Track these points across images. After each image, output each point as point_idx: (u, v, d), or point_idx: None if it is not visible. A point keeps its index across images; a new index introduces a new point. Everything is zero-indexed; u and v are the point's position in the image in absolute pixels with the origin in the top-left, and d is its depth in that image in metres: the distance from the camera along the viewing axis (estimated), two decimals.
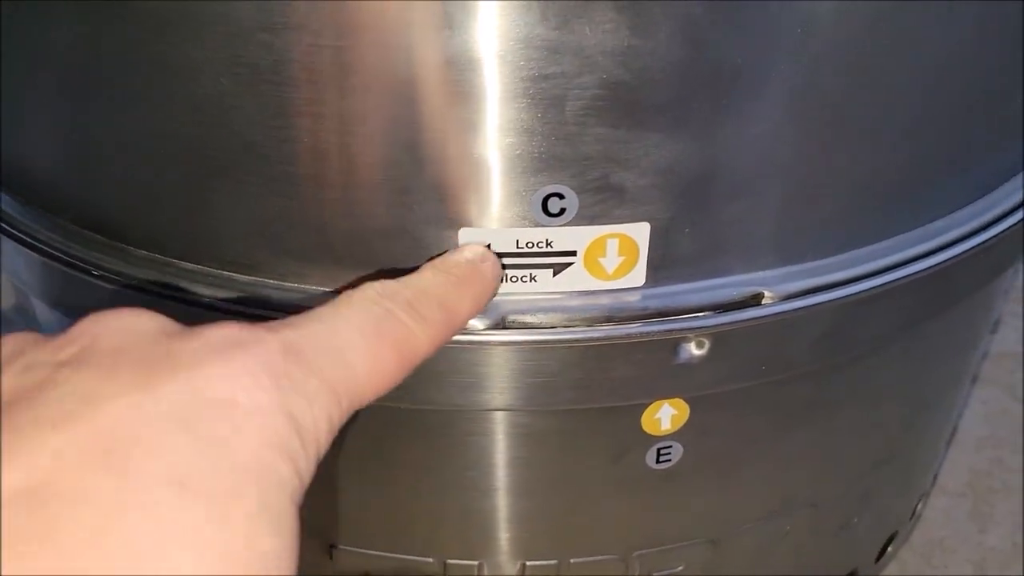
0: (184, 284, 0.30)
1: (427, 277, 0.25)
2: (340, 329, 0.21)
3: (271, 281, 0.29)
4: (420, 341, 0.23)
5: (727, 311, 0.29)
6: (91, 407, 0.17)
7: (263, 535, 0.17)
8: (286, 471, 0.18)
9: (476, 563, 0.36)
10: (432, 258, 0.27)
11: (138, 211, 0.30)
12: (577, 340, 0.29)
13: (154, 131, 0.27)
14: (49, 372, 0.18)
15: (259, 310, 0.29)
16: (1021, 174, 0.34)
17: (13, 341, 0.20)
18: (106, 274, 0.30)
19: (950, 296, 0.34)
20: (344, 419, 0.20)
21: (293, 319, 0.21)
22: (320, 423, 0.19)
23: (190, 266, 0.30)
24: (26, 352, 0.19)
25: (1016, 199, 0.33)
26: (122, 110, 0.27)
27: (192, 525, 0.16)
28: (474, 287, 0.26)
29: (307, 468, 0.19)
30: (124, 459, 0.17)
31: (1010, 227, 0.32)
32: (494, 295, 0.27)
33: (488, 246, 0.27)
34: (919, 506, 0.52)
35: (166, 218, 0.29)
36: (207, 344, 0.19)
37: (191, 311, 0.29)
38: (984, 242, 0.31)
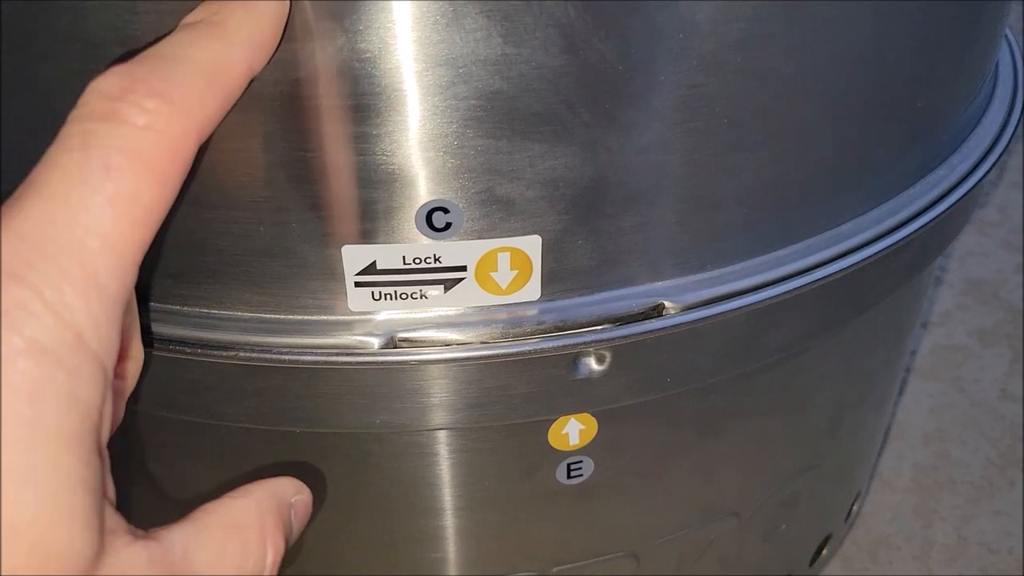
0: None
1: (180, 43, 0.19)
2: (51, 197, 0.17)
3: (151, 304, 0.28)
4: (171, 130, 0.18)
5: (627, 323, 0.28)
6: None
7: None
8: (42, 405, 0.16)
9: None
10: None
11: None
12: (472, 358, 0.28)
13: (16, 150, 0.26)
14: None
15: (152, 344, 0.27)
16: (928, 177, 0.33)
17: None
18: None
19: (859, 302, 0.33)
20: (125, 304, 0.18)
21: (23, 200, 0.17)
22: (87, 333, 0.17)
23: None
24: None
25: (922, 203, 0.32)
26: None
27: None
28: (245, 30, 0.20)
29: (91, 402, 0.17)
30: None
31: (922, 227, 0.32)
32: (282, 40, 0.21)
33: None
34: (855, 507, 0.52)
35: None
36: None
37: None
38: (888, 247, 0.31)
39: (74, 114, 0.18)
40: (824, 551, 0.49)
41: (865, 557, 0.60)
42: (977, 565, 0.61)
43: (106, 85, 0.18)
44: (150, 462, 0.32)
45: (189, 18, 0.20)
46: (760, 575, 0.44)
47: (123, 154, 0.18)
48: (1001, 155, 0.35)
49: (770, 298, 0.29)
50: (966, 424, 0.71)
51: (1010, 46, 0.41)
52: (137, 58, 0.19)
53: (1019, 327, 0.79)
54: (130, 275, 0.18)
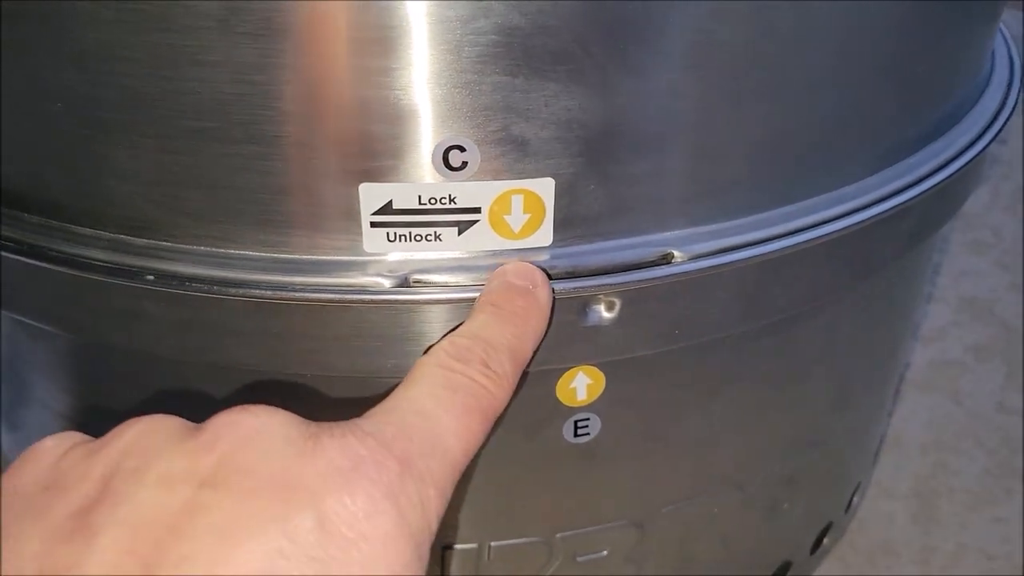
0: (79, 250, 0.29)
1: (491, 325, 0.26)
2: (433, 415, 0.23)
3: (166, 243, 0.28)
4: (499, 399, 0.25)
5: (636, 270, 0.29)
6: (236, 546, 0.19)
7: None
8: None
9: None
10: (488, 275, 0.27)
11: (27, 174, 0.29)
12: None
13: (37, 87, 0.26)
14: (191, 493, 0.20)
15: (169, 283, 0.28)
16: (928, 148, 0.34)
17: (145, 429, 0.21)
18: None
19: (861, 266, 0.33)
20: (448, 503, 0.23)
21: (390, 412, 0.23)
22: (433, 526, 0.22)
23: (84, 231, 0.29)
24: (162, 453, 0.20)
25: (922, 171, 0.33)
26: (2, 66, 0.26)
27: None
28: (532, 322, 0.27)
29: (424, 572, 0.21)
30: None
31: (922, 193, 0.33)
32: (550, 324, 0.28)
33: (547, 273, 0.28)
34: (855, 498, 0.52)
35: (55, 181, 0.29)
36: (331, 466, 0.21)
37: (90, 278, 0.29)
38: (889, 210, 0.31)
39: (430, 360, 0.25)
40: (825, 540, 0.49)
41: (864, 562, 0.60)
42: (975, 571, 0.60)
43: (452, 349, 0.25)
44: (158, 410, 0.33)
45: (493, 298, 0.27)
46: (760, 559, 0.44)
47: (476, 400, 0.24)
48: (998, 133, 0.36)
49: (775, 251, 0.30)
50: (963, 435, 0.71)
51: (1005, 38, 0.42)
52: (464, 336, 0.26)
53: (1013, 343, 0.80)
54: (451, 490, 0.23)
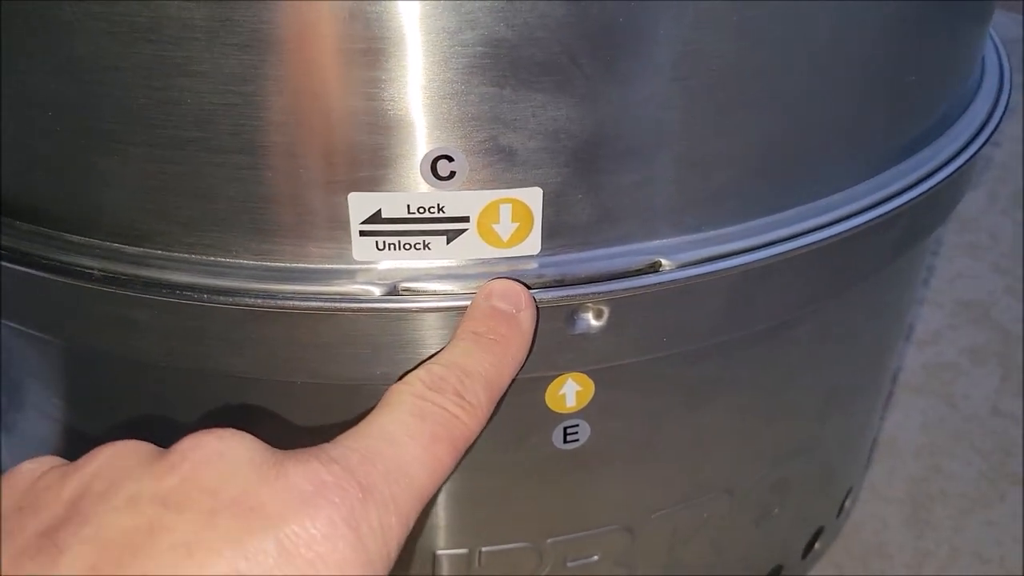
0: (71, 258, 0.29)
1: (469, 353, 0.26)
2: (400, 443, 0.23)
3: (159, 251, 0.29)
4: (470, 429, 0.25)
5: (624, 278, 0.29)
6: (194, 564, 0.19)
7: None
8: None
9: None
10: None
11: (20, 182, 0.29)
12: None
13: (29, 95, 0.27)
14: (153, 513, 0.20)
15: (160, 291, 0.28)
16: (916, 156, 0.34)
17: (116, 453, 0.22)
18: None
19: (853, 272, 0.34)
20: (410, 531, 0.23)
21: (358, 439, 0.23)
22: (392, 554, 0.22)
23: (77, 239, 0.29)
24: (130, 475, 0.21)
25: (910, 179, 0.33)
26: None
27: None
28: (511, 350, 0.27)
29: None
30: None
31: (909, 201, 0.33)
32: (531, 350, 0.28)
33: (528, 287, 0.28)
34: (847, 502, 0.52)
35: (49, 189, 0.29)
36: (292, 490, 0.21)
37: (82, 285, 0.29)
38: (876, 218, 0.31)
39: (403, 388, 0.25)
40: (817, 545, 0.49)
41: (858, 565, 0.60)
42: (968, 574, 0.61)
43: (427, 377, 0.25)
44: (149, 415, 0.33)
45: (474, 325, 0.27)
46: (751, 564, 0.44)
47: (446, 430, 0.24)
48: (986, 141, 0.36)
49: (763, 259, 0.30)
50: (957, 438, 0.71)
51: (996, 45, 0.42)
52: (441, 364, 0.26)
53: (1009, 347, 0.80)
54: (415, 519, 0.23)
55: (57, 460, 0.23)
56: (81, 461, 0.22)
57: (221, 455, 0.21)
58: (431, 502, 0.34)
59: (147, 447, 0.22)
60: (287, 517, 0.20)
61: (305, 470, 0.21)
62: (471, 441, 0.25)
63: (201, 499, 0.20)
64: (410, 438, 0.23)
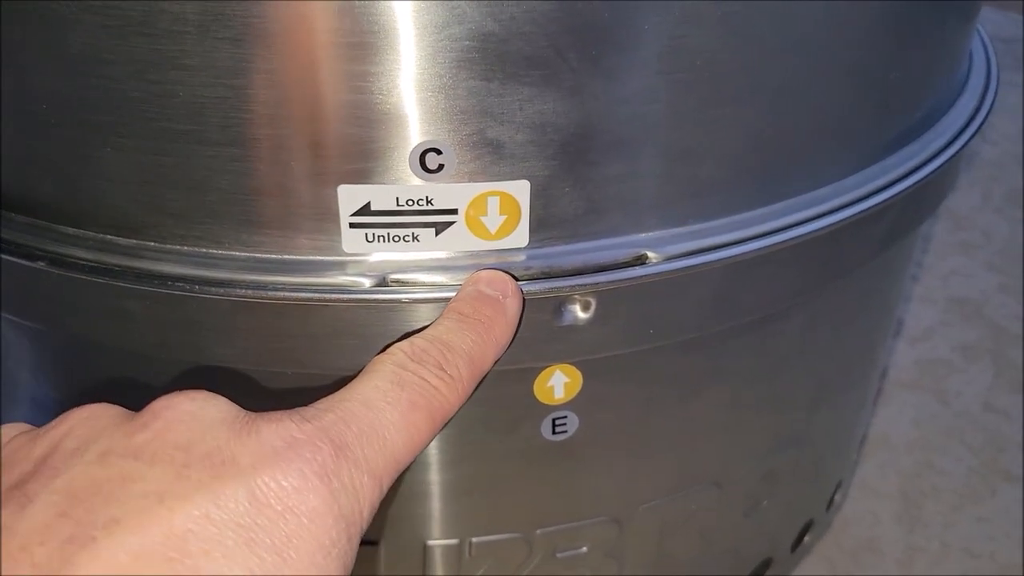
0: (65, 249, 0.29)
1: (453, 331, 0.26)
2: (377, 407, 0.23)
3: (151, 243, 0.29)
4: (449, 402, 0.25)
5: (611, 271, 0.29)
6: (165, 509, 0.20)
7: None
8: (336, 569, 0.21)
9: (374, 544, 0.36)
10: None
11: (12, 175, 0.29)
12: None
13: (23, 88, 0.27)
14: (127, 465, 0.20)
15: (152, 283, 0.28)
16: (902, 151, 0.34)
17: (88, 415, 0.22)
18: None
19: (839, 265, 0.34)
20: (384, 495, 0.23)
21: (334, 402, 0.23)
22: (365, 512, 0.22)
23: (71, 231, 0.30)
24: (101, 434, 0.21)
25: (897, 173, 0.33)
26: None
27: None
28: (495, 331, 0.27)
29: (353, 557, 0.22)
30: (193, 565, 0.19)
31: (896, 195, 0.33)
32: (515, 335, 0.28)
33: (515, 278, 0.28)
34: (836, 496, 0.53)
35: (41, 181, 0.29)
36: (264, 445, 0.21)
37: (76, 277, 0.29)
38: (863, 211, 0.32)
39: (385, 358, 0.25)
40: (806, 538, 0.49)
41: (849, 561, 0.61)
42: (959, 569, 0.61)
43: (409, 349, 0.25)
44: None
45: (460, 306, 0.27)
46: (740, 556, 0.45)
47: (424, 399, 0.24)
48: (973, 136, 0.37)
49: (749, 252, 0.30)
50: (949, 434, 0.72)
51: (983, 41, 0.43)
52: (424, 338, 0.26)
53: (1002, 343, 0.80)
54: (389, 483, 0.23)
55: (28, 426, 0.23)
56: (52, 423, 0.22)
57: (193, 415, 0.22)
58: (421, 493, 0.35)
59: (118, 409, 0.23)
60: (259, 469, 0.21)
61: (278, 427, 0.22)
62: (450, 415, 0.25)
63: (174, 454, 0.21)
64: (388, 404, 0.24)
